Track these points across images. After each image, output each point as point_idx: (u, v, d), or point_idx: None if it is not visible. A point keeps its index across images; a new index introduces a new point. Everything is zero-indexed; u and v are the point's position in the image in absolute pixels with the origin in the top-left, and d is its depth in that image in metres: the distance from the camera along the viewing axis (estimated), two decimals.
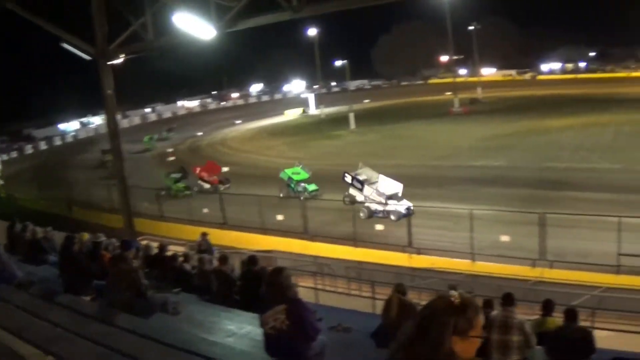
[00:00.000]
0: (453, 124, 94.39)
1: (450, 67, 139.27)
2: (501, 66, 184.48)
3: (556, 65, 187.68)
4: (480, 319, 4.30)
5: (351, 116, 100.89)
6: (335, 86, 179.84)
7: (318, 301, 23.12)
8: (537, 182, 48.32)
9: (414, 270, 32.51)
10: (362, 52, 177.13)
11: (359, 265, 33.73)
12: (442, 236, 37.65)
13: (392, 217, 42.63)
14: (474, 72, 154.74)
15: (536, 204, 39.85)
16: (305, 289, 23.84)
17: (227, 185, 59.25)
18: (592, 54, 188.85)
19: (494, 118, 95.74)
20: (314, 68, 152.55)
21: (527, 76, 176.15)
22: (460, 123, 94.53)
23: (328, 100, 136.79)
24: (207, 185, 59.54)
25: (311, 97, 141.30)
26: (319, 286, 27.87)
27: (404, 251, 35.79)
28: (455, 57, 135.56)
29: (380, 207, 43.95)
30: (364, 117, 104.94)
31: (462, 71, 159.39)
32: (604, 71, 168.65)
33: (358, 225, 39.13)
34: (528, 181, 49.01)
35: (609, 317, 22.10)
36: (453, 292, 4.42)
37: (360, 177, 46.63)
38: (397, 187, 44.62)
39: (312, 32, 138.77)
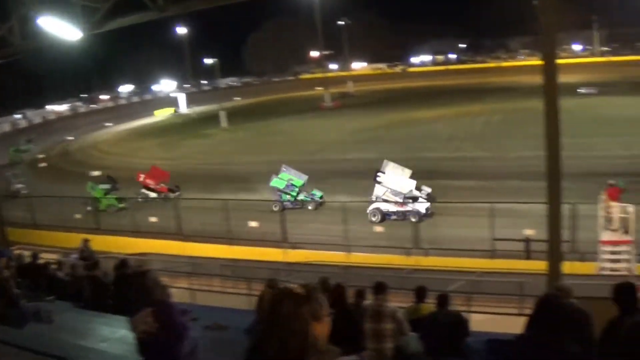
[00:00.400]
0: (325, 119, 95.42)
1: (320, 62, 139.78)
2: (372, 60, 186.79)
3: (427, 58, 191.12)
4: (324, 299, 4.53)
5: (222, 114, 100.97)
6: (206, 85, 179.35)
7: (195, 301, 23.06)
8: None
9: (289, 265, 32.58)
10: (232, 50, 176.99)
11: (235, 263, 33.66)
12: (317, 230, 37.93)
13: (413, 219, 39.08)
14: (344, 67, 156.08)
15: None
16: (180, 290, 23.74)
17: (177, 194, 52.43)
18: (462, 45, 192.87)
19: (365, 111, 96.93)
20: (184, 67, 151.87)
21: (398, 69, 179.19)
22: (332, 117, 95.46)
23: (199, 99, 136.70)
24: (153, 194, 52.54)
25: (182, 97, 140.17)
26: (195, 286, 27.74)
27: (279, 247, 35.89)
28: (325, 52, 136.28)
29: (393, 208, 40.42)
30: (235, 115, 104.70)
31: (333, 66, 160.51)
32: (474, 62, 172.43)
33: (233, 223, 38.94)
34: None
35: (485, 300, 22.70)
36: (292, 285, 4.58)
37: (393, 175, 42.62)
38: (411, 184, 41.50)
39: (181, 30, 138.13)
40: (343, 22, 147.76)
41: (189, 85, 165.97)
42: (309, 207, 44.64)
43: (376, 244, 34.05)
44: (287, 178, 46.53)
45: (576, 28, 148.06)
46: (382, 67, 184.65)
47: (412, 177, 41.74)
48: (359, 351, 11.44)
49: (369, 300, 12.66)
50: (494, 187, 42.22)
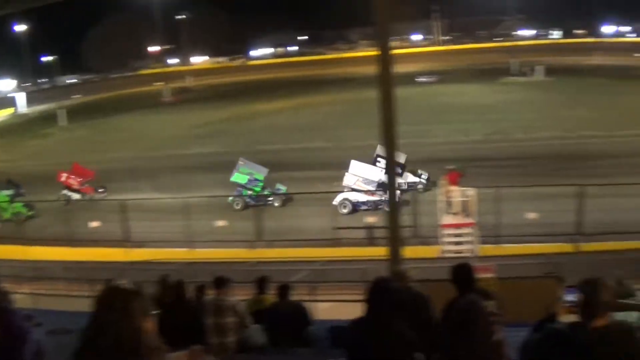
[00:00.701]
0: (165, 114, 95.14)
1: (159, 57, 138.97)
2: (213, 54, 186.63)
3: (268, 50, 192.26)
4: (150, 297, 4.63)
5: (61, 113, 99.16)
6: (45, 83, 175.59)
7: (39, 306, 22.56)
8: None
9: (133, 264, 32.22)
10: (72, 47, 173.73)
11: (78, 265, 33.05)
12: (160, 227, 37.57)
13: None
14: (184, 61, 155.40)
15: None
16: (23, 295, 23.21)
17: (103, 194, 48.23)
18: (302, 37, 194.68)
19: (205, 105, 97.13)
20: (23, 65, 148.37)
21: (238, 62, 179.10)
22: (172, 113, 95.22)
23: (39, 98, 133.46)
24: (76, 196, 48.05)
25: (21, 96, 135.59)
26: (39, 291, 27.17)
27: (122, 246, 35.45)
28: (165, 47, 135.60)
29: (363, 198, 38.60)
30: (75, 113, 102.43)
31: (174, 60, 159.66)
32: (314, 54, 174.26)
33: (74, 224, 38.20)
34: None
35: (329, 288, 23.16)
36: (122, 282, 4.61)
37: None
38: (379, 173, 38.02)
39: (19, 28, 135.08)
40: (183, 16, 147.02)
41: (29, 84, 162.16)
42: (275, 204, 41.76)
43: (219, 238, 34.06)
44: (248, 172, 42.90)
45: (416, 18, 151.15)
46: (223, 60, 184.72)
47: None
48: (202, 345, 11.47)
49: (210, 295, 12.65)
50: (333, 176, 42.09)
